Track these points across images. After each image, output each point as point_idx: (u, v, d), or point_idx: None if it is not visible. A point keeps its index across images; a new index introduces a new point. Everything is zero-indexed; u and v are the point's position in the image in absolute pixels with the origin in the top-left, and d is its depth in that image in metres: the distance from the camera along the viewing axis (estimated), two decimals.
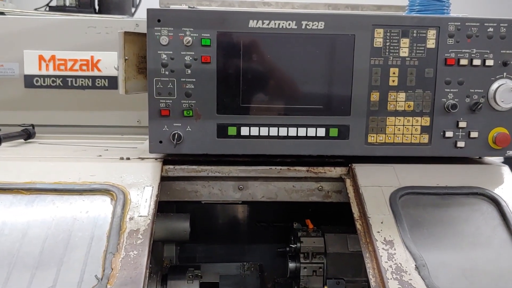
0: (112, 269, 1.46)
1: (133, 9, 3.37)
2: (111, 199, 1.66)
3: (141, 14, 2.22)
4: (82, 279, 1.45)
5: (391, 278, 1.48)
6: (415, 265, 1.51)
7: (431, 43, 1.76)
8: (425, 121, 1.79)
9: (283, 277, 2.31)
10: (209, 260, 2.46)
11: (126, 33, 1.77)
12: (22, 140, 2.16)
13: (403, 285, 1.46)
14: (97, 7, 3.16)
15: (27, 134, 2.17)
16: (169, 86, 1.72)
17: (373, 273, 1.53)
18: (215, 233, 2.51)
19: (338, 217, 2.04)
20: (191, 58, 1.71)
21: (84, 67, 2.27)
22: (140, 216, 1.61)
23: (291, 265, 2.11)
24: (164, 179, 1.82)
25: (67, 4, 3.17)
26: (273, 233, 2.44)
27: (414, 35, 1.75)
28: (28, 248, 1.53)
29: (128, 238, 1.54)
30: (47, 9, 3.20)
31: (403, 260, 1.53)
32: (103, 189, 1.68)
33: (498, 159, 1.94)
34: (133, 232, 1.56)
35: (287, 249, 2.16)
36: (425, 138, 1.80)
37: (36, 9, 3.19)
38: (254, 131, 1.78)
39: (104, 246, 1.53)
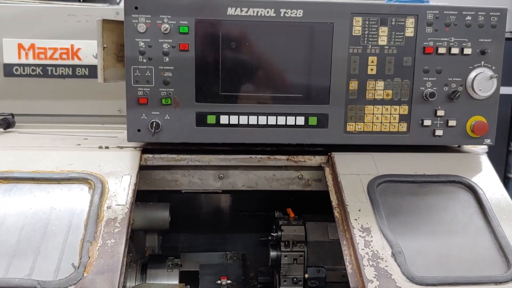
0: (89, 257, 1.46)
1: None
2: (89, 187, 1.66)
3: None
4: (59, 268, 1.45)
5: (367, 265, 1.49)
6: (392, 252, 1.52)
7: (409, 32, 1.76)
8: (404, 109, 1.80)
9: (266, 266, 2.32)
10: (191, 250, 2.46)
11: (104, 21, 1.76)
12: (1, 129, 2.14)
13: (379, 272, 1.47)
14: None
15: (7, 123, 2.15)
16: (147, 74, 1.72)
17: (349, 260, 1.54)
18: (197, 223, 2.52)
19: (320, 206, 2.04)
20: (169, 45, 1.70)
21: (64, 56, 2.24)
22: (118, 205, 1.60)
23: (273, 253, 2.12)
24: (143, 168, 1.82)
25: None
26: (255, 222, 2.44)
27: (393, 23, 1.75)
28: (4, 236, 1.52)
29: (106, 227, 1.54)
30: None
31: (379, 247, 1.54)
32: (81, 178, 1.68)
33: (481, 150, 1.95)
34: (111, 221, 1.56)
35: (269, 238, 2.16)
36: (403, 127, 1.81)
37: None
38: (234, 119, 1.78)
39: (81, 234, 1.52)
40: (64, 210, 1.60)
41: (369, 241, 1.55)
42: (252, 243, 2.47)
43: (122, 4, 3.17)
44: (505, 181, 5.14)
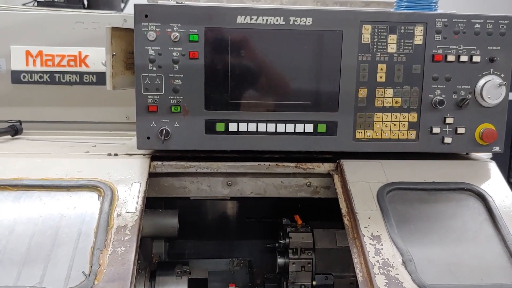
0: (100, 265, 1.45)
1: (122, 4, 3.35)
2: (98, 195, 1.66)
3: (130, 10, 2.21)
4: (70, 276, 1.45)
5: (378, 273, 1.49)
6: (402, 260, 1.52)
7: (418, 39, 1.76)
8: (413, 117, 1.80)
9: (272, 273, 2.32)
10: (198, 256, 2.46)
11: (113, 28, 1.76)
12: (9, 136, 2.15)
13: (390, 280, 1.47)
14: (86, 2, 3.15)
15: (14, 130, 2.16)
16: (156, 82, 1.72)
17: (360, 268, 1.54)
18: (204, 229, 2.51)
19: (327, 213, 2.05)
20: (178, 53, 1.71)
21: (72, 63, 2.25)
22: (128, 212, 1.60)
23: (280, 260, 2.12)
24: (152, 175, 1.82)
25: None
26: (262, 228, 2.44)
27: (402, 31, 1.75)
28: (15, 244, 1.52)
29: (116, 234, 1.54)
30: (35, 4, 3.17)
31: (390, 255, 1.54)
32: (90, 185, 1.68)
33: (486, 155, 1.96)
34: (121, 228, 1.56)
35: (276, 244, 2.16)
36: (412, 134, 1.81)
37: (24, 4, 3.16)
38: (243, 127, 1.78)
39: (91, 242, 1.52)
40: (74, 217, 1.60)
41: (379, 249, 1.55)
42: (259, 250, 2.46)
43: (127, 11, 3.19)
44: (509, 186, 5.13)
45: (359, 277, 1.51)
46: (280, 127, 1.79)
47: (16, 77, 2.25)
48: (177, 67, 1.72)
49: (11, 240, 1.53)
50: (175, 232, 2.01)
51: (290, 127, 1.79)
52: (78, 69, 2.26)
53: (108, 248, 1.50)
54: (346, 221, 1.68)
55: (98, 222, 1.57)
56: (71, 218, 1.60)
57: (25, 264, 1.47)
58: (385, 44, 1.75)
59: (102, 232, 1.54)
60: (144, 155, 1.84)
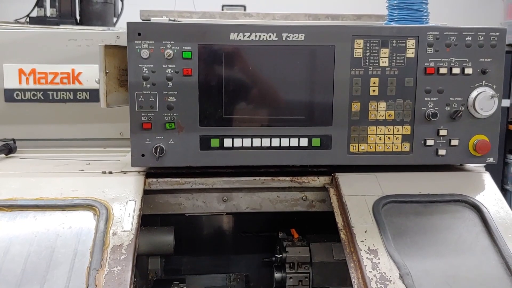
0: (96, 285, 1.45)
1: (114, 19, 3.37)
2: (94, 214, 1.65)
3: (123, 24, 2.21)
4: None
5: None
6: (399, 274, 1.52)
7: (410, 53, 1.78)
8: (406, 129, 1.81)
9: (269, 287, 2.31)
10: (194, 272, 2.45)
11: (106, 46, 1.76)
12: (3, 155, 2.14)
13: None
14: (78, 18, 3.16)
15: (8, 149, 2.15)
16: (150, 99, 1.72)
17: (357, 283, 1.53)
18: (200, 245, 2.50)
19: (324, 225, 2.04)
20: (172, 71, 1.71)
21: (65, 80, 2.25)
22: (124, 231, 1.60)
23: (277, 275, 2.11)
24: (147, 192, 1.81)
25: (48, 15, 3.16)
26: (258, 243, 2.43)
27: (394, 45, 1.77)
28: (10, 265, 1.51)
29: (112, 254, 1.53)
30: (28, 19, 3.18)
31: (387, 269, 1.53)
32: (85, 204, 1.67)
33: (480, 165, 1.96)
34: (117, 248, 1.55)
35: (273, 259, 2.16)
36: (406, 147, 1.82)
37: (16, 20, 3.16)
38: (237, 142, 1.78)
39: (87, 262, 1.51)
40: (69, 237, 1.59)
41: (376, 263, 1.55)
42: (256, 264, 2.46)
43: (118, 26, 3.19)
44: (502, 193, 5.15)
45: None
46: (275, 142, 1.79)
47: (10, 95, 2.25)
48: (171, 84, 1.72)
49: (6, 261, 1.52)
50: (171, 249, 2.01)
51: (284, 142, 1.80)
52: (71, 86, 2.26)
53: (104, 268, 1.49)
54: (342, 235, 1.68)
55: (94, 241, 1.56)
56: (66, 238, 1.59)
57: (20, 285, 1.46)
58: (377, 58, 1.76)
59: (98, 251, 1.53)
60: (138, 172, 1.84)
